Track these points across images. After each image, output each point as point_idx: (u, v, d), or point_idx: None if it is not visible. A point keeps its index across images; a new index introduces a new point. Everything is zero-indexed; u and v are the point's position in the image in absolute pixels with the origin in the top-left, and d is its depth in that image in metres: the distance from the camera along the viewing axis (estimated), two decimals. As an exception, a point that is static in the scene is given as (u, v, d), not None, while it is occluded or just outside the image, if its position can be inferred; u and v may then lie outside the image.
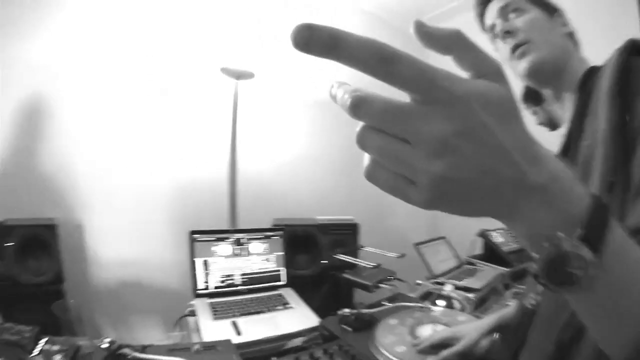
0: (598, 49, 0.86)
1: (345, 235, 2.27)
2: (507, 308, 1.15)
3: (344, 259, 2.08)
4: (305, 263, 2.18)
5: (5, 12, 2.76)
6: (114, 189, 2.63)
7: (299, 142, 2.72)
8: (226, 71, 2.32)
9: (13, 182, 2.57)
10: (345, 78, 0.35)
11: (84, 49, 2.71)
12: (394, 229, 2.98)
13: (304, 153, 2.71)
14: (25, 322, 1.13)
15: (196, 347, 1.14)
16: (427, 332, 1.19)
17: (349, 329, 1.25)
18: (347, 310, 1.28)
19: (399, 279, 1.91)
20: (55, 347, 1.06)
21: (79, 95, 2.68)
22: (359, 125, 0.34)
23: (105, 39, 2.72)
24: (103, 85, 2.70)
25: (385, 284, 1.82)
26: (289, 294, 1.90)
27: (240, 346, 1.24)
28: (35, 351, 1.03)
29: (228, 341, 1.21)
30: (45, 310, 1.50)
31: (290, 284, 2.01)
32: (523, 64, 0.82)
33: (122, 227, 2.64)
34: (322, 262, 2.13)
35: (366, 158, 0.36)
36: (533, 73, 0.82)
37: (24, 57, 2.62)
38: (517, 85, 0.65)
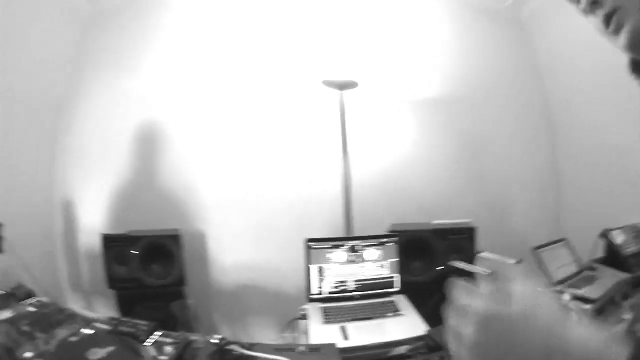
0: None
1: (461, 240, 2.19)
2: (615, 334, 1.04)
3: (458, 266, 1.99)
4: (420, 270, 2.15)
5: (116, 53, 3.35)
6: (233, 201, 2.94)
7: (410, 144, 2.68)
8: (329, 83, 2.42)
9: (135, 199, 3.11)
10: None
11: (191, 75, 3.14)
12: (512, 231, 2.76)
13: (416, 155, 2.67)
14: (148, 319, 1.35)
15: (301, 348, 1.21)
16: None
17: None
18: None
19: None
20: (169, 340, 1.25)
21: (191, 118, 3.13)
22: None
23: (210, 63, 3.06)
24: (212, 105, 3.05)
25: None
26: (401, 301, 1.89)
27: (344, 351, 1.27)
28: (149, 342, 1.22)
29: (333, 345, 1.25)
30: (166, 310, 1.71)
31: (404, 290, 1.99)
32: (621, 40, 0.69)
33: (242, 235, 2.93)
34: (437, 268, 2.08)
35: None
36: (635, 46, 0.69)
37: (135, 90, 3.19)
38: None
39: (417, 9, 2.71)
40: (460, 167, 2.62)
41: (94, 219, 3.43)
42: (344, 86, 2.40)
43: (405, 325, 1.66)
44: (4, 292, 1.79)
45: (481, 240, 2.22)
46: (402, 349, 1.27)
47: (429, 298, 1.91)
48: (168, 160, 3.15)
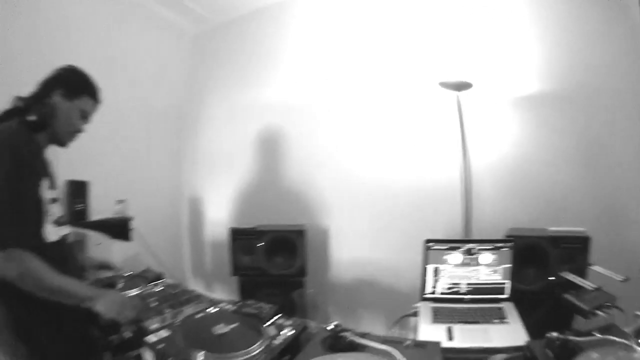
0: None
1: (575, 249, 2.05)
2: None
3: (568, 277, 1.90)
4: (532, 278, 2.08)
5: (242, 69, 3.80)
6: (355, 199, 3.06)
7: (526, 145, 2.54)
8: (445, 85, 2.44)
9: (261, 196, 3.36)
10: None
11: (312, 80, 3.37)
12: (627, 244, 2.46)
13: (531, 156, 2.53)
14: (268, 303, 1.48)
15: (408, 342, 1.23)
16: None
17: (551, 354, 1.14)
18: (554, 334, 1.15)
19: (616, 307, 1.60)
20: (287, 323, 1.37)
21: (314, 120, 3.33)
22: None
23: (330, 68, 3.25)
24: (334, 108, 3.22)
25: (602, 311, 1.57)
26: (509, 309, 1.84)
27: (447, 350, 1.27)
28: (269, 322, 1.34)
29: (437, 343, 1.26)
30: (286, 296, 1.81)
31: (513, 298, 1.93)
32: None
33: (362, 232, 3.03)
34: (548, 278, 1.99)
35: None
36: None
37: (259, 99, 3.56)
38: None
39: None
40: (574, 170, 2.43)
41: (219, 214, 3.90)
42: (459, 87, 2.41)
43: (508, 333, 1.62)
44: (135, 274, 2.00)
45: (594, 251, 2.06)
46: (499, 357, 1.29)
47: (537, 308, 1.91)
48: (293, 161, 3.44)
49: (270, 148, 3.59)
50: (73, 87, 1.58)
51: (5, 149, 1.29)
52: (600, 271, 1.85)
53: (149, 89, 3.95)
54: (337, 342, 1.23)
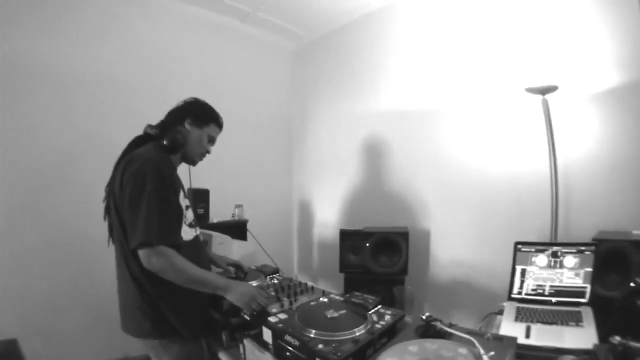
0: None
1: None
2: None
3: None
4: (614, 283, 2.01)
5: (342, 79, 4.20)
6: (454, 202, 3.23)
7: (618, 142, 2.44)
8: (531, 90, 2.46)
9: (367, 200, 3.68)
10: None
11: (407, 88, 3.57)
12: None
13: (619, 157, 2.44)
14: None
15: (488, 335, 1.39)
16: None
17: (611, 358, 1.19)
18: (617, 338, 1.20)
19: None
20: (388, 312, 1.63)
21: (412, 127, 3.54)
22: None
23: (423, 77, 3.44)
24: (429, 115, 3.40)
25: None
26: (587, 313, 1.86)
27: (522, 346, 1.40)
28: (372, 311, 1.60)
29: (514, 339, 1.38)
30: (387, 292, 2.02)
31: (594, 303, 1.94)
32: None
33: (459, 234, 3.19)
34: (630, 284, 1.87)
35: None
36: None
37: (361, 107, 3.98)
38: None
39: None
40: None
41: (326, 216, 4.34)
42: (545, 91, 2.43)
43: (581, 336, 1.64)
44: (255, 267, 2.34)
45: None
46: (568, 358, 1.30)
47: (614, 313, 1.84)
48: (396, 166, 3.70)
49: (374, 154, 3.86)
50: (201, 116, 1.93)
51: (152, 169, 1.62)
52: None
53: (258, 104, 4.48)
54: (428, 329, 1.45)
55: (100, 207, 1.82)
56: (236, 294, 1.65)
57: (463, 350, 1.22)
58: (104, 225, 1.82)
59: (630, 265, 1.90)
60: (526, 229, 2.60)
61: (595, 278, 1.97)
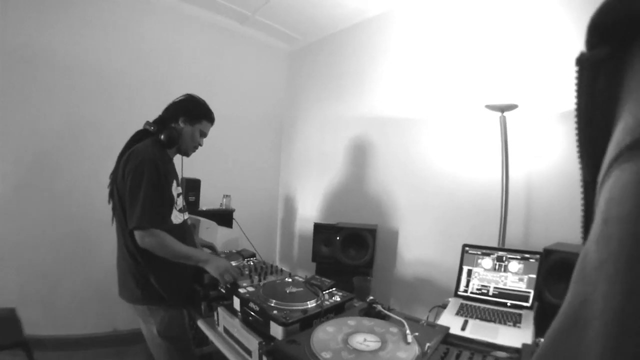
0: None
1: None
2: None
3: None
4: (564, 293, 1.99)
5: (331, 83, 4.41)
6: (423, 207, 3.42)
7: (565, 161, 2.61)
8: (491, 107, 2.61)
9: (346, 197, 3.92)
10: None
11: (389, 96, 3.79)
12: None
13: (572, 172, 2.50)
14: (339, 287, 1.94)
15: (422, 322, 1.57)
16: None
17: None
18: (541, 340, 1.15)
19: None
20: (339, 293, 1.86)
21: (390, 132, 3.75)
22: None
23: (404, 85, 3.64)
24: (408, 122, 3.60)
25: None
26: (527, 317, 2.03)
27: (455, 337, 1.50)
28: (326, 292, 1.84)
29: (446, 328, 1.54)
30: (351, 282, 2.22)
31: (540, 309, 2.10)
32: None
33: (425, 236, 3.41)
34: None
35: None
36: None
37: (347, 111, 4.19)
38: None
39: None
40: None
41: (308, 211, 4.58)
42: (504, 108, 2.57)
43: (516, 336, 1.81)
44: (235, 251, 2.59)
45: None
46: (499, 354, 1.34)
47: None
48: (373, 168, 3.91)
49: (355, 155, 4.09)
50: (194, 114, 2.18)
51: (149, 162, 1.91)
52: None
53: (252, 102, 4.71)
54: (370, 311, 1.67)
55: (101, 187, 2.14)
56: (213, 266, 1.92)
57: (394, 329, 1.43)
58: (104, 206, 2.12)
59: None
60: (484, 234, 2.78)
61: (544, 286, 2.12)
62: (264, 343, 1.47)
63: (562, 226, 2.58)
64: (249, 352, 1.58)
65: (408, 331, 1.37)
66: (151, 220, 1.84)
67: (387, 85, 3.80)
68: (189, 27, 4.10)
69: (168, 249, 1.88)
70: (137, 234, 1.85)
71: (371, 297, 1.74)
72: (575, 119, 0.40)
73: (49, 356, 3.12)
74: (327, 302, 1.71)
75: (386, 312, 1.65)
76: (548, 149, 2.70)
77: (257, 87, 4.81)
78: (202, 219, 3.02)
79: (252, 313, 1.64)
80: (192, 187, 3.51)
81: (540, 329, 1.91)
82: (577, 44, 2.20)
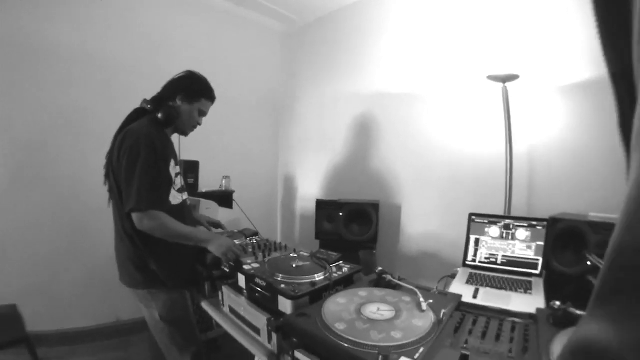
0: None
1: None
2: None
3: (594, 260, 1.87)
4: (571, 261, 2.04)
5: (328, 62, 4.36)
6: (425, 181, 3.40)
7: (571, 132, 2.60)
8: (493, 77, 2.59)
9: (347, 175, 3.87)
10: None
11: (387, 73, 3.72)
12: None
13: (576, 143, 2.58)
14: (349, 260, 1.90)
15: (434, 290, 1.55)
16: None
17: (551, 321, 1.21)
18: (557, 303, 1.22)
19: None
20: (347, 266, 1.82)
21: (389, 110, 3.71)
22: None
23: (404, 62, 3.59)
24: (407, 99, 3.56)
25: None
26: (537, 283, 2.03)
27: (468, 305, 1.47)
28: (334, 265, 1.79)
29: (459, 296, 1.52)
30: (358, 258, 2.19)
31: (547, 276, 2.09)
32: None
33: (428, 209, 3.39)
34: (587, 263, 1.92)
35: None
36: None
37: (345, 90, 4.13)
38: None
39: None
40: (621, 158, 2.40)
41: (309, 190, 4.56)
42: (505, 79, 2.54)
43: (528, 302, 1.80)
44: (237, 231, 2.54)
45: None
46: (512, 319, 1.31)
47: (567, 286, 1.97)
48: (374, 145, 3.87)
49: (355, 133, 4.05)
50: (193, 92, 2.09)
51: (146, 141, 1.83)
52: None
53: (248, 82, 4.62)
54: (380, 281, 1.63)
55: (97, 174, 2.04)
56: (216, 244, 1.87)
57: (406, 298, 1.40)
58: (101, 192, 2.04)
59: (586, 244, 1.98)
60: (488, 206, 2.72)
61: (551, 254, 2.11)
62: (272, 319, 1.42)
63: (565, 197, 2.59)
64: (257, 331, 1.54)
65: (422, 299, 1.34)
66: (149, 202, 1.77)
67: (387, 61, 3.74)
68: (183, 10, 4.00)
69: (168, 231, 1.81)
70: (135, 217, 1.77)
71: (380, 268, 1.70)
72: (593, 12, 0.42)
73: (53, 352, 3.08)
74: (335, 275, 1.67)
75: (397, 281, 1.62)
76: (550, 121, 2.69)
77: (254, 69, 4.72)
78: (202, 199, 2.97)
79: (259, 289, 1.60)
80: (191, 169, 3.44)
81: (549, 295, 1.89)
82: (578, 17, 2.26)
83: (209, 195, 3.31)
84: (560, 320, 1.19)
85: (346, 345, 1.07)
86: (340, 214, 3.32)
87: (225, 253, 1.85)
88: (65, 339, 3.25)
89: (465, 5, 3.11)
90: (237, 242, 2.27)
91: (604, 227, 1.96)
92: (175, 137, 2.18)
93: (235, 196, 3.73)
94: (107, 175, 1.98)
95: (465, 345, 1.10)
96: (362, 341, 1.06)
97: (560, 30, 2.60)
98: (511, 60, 2.75)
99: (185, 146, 2.45)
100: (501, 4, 2.89)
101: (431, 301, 1.37)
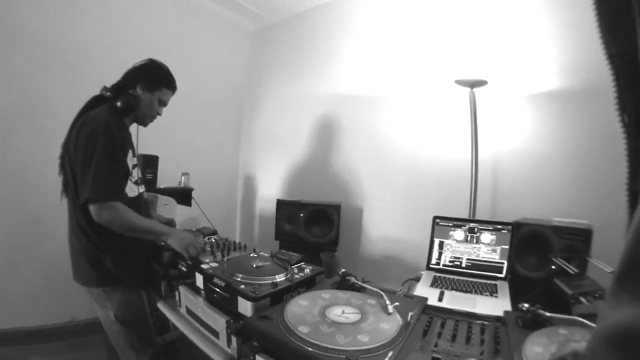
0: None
1: (577, 241, 1.95)
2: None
3: (560, 263, 1.88)
4: (535, 265, 2.06)
5: (293, 63, 4.30)
6: (388, 184, 3.37)
7: (537, 139, 2.63)
8: (460, 82, 2.59)
9: (308, 177, 3.82)
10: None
11: (350, 74, 3.72)
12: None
13: (542, 150, 2.61)
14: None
15: (399, 293, 1.51)
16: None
17: (520, 323, 1.20)
18: (526, 305, 1.22)
19: (601, 298, 1.56)
20: (309, 267, 1.75)
21: (352, 111, 3.69)
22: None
23: (367, 63, 3.59)
24: (369, 101, 3.55)
25: (587, 299, 1.53)
26: (502, 287, 2.01)
27: (434, 308, 1.45)
28: (295, 266, 1.72)
29: (424, 299, 1.48)
30: (319, 260, 2.13)
31: (511, 281, 2.08)
32: None
33: (391, 213, 3.36)
34: (552, 267, 1.92)
35: None
36: None
37: (309, 90, 4.06)
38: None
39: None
40: (585, 165, 2.45)
41: (269, 190, 4.46)
42: (474, 84, 2.55)
43: (494, 305, 1.78)
44: (195, 229, 2.45)
45: (602, 247, 1.91)
46: (481, 322, 1.29)
47: (533, 289, 1.95)
48: (335, 146, 3.83)
49: (317, 134, 4.00)
50: (153, 81, 2.01)
51: (104, 129, 1.73)
52: (596, 263, 1.77)
53: (213, 79, 4.49)
54: (343, 283, 1.56)
55: (54, 164, 1.90)
56: (176, 238, 1.79)
57: (371, 301, 1.34)
58: (57, 183, 1.91)
59: (550, 248, 2.00)
60: (452, 210, 2.68)
61: (515, 259, 2.12)
62: (232, 321, 1.34)
63: (529, 202, 2.62)
64: (215, 334, 1.46)
65: (388, 302, 1.30)
66: (105, 192, 1.68)
67: (353, 63, 3.73)
68: (153, 1, 3.89)
69: (128, 223, 1.71)
70: (93, 208, 1.67)
71: (343, 270, 1.63)
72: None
73: (9, 351, 2.97)
74: (297, 276, 1.60)
75: (361, 284, 1.57)
76: (516, 127, 2.72)
77: (219, 65, 4.61)
78: (160, 195, 2.85)
79: (217, 289, 1.51)
80: (150, 163, 3.29)
81: (515, 299, 1.86)
82: (548, 28, 2.30)
83: (168, 192, 3.17)
84: (529, 322, 1.19)
85: (311, 349, 1.00)
86: (301, 215, 3.26)
87: (186, 247, 1.77)
88: (21, 338, 3.10)
89: (436, 8, 3.11)
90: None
91: (568, 232, 1.99)
92: (133, 129, 2.07)
93: (194, 194, 3.60)
94: (62, 166, 1.87)
95: (435, 349, 1.05)
96: (328, 345, 1.00)
97: (529, 40, 2.63)
98: (479, 66, 2.75)
99: (145, 140, 2.33)
100: (471, 9, 2.91)
101: (397, 304, 1.33)
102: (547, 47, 2.55)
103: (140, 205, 1.99)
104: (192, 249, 1.78)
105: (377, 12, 3.53)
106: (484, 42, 2.81)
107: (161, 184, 3.46)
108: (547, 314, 1.20)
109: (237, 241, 2.18)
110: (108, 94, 1.94)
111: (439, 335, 1.15)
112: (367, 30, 3.61)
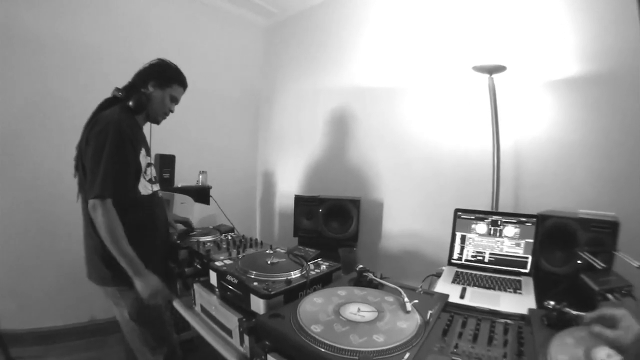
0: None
1: (604, 234, 1.83)
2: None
3: (586, 257, 1.77)
4: (561, 259, 1.95)
5: (309, 57, 4.27)
6: (407, 177, 3.30)
7: (561, 128, 2.51)
8: (479, 68, 2.50)
9: (326, 171, 3.74)
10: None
11: (367, 67, 3.63)
12: None
13: (565, 139, 2.50)
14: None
15: (419, 290, 1.45)
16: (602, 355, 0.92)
17: (546, 322, 1.15)
18: (552, 303, 1.17)
19: (631, 295, 1.49)
20: (325, 263, 1.71)
21: (370, 103, 3.60)
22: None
23: (385, 54, 3.51)
24: (387, 92, 3.46)
25: (614, 296, 1.46)
26: (527, 283, 1.93)
27: (456, 306, 1.40)
28: (311, 263, 1.68)
29: (445, 295, 1.43)
30: (335, 255, 2.09)
31: (535, 276, 1.99)
32: None
33: (411, 206, 3.28)
34: (578, 262, 1.81)
35: None
36: None
37: (325, 84, 3.97)
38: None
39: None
40: (611, 154, 2.31)
41: (288, 186, 4.43)
42: (492, 70, 2.47)
43: (518, 302, 1.70)
44: (212, 227, 2.42)
45: (624, 239, 1.81)
46: (504, 321, 1.24)
47: (558, 285, 1.86)
48: (354, 140, 3.76)
49: (334, 128, 3.94)
50: (164, 78, 2.03)
51: (114, 126, 1.74)
52: (623, 257, 1.68)
53: (227, 76, 4.49)
54: (360, 280, 1.51)
55: (69, 167, 1.91)
56: (144, 283, 1.74)
57: (389, 298, 1.30)
58: (71, 186, 1.92)
59: (576, 241, 1.88)
60: (474, 203, 2.58)
61: (540, 253, 2.02)
62: (244, 319, 1.32)
63: (552, 194, 2.52)
64: (229, 332, 1.44)
65: (406, 299, 1.24)
66: (111, 189, 1.68)
67: (368, 54, 3.65)
68: (163, 1, 3.89)
69: (111, 231, 1.68)
70: (91, 202, 1.67)
71: (361, 266, 1.57)
72: None
73: (26, 351, 3.00)
74: (312, 272, 1.56)
75: (379, 280, 1.51)
76: (537, 115, 2.62)
77: (233, 63, 4.61)
78: (176, 194, 2.84)
79: (230, 287, 1.48)
80: (167, 163, 3.32)
81: (539, 296, 1.78)
82: (567, 12, 2.21)
83: (185, 191, 3.16)
84: (555, 321, 1.13)
85: (323, 350, 0.95)
86: (320, 210, 3.22)
87: (151, 295, 1.75)
88: (39, 339, 3.15)
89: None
90: (210, 237, 2.20)
91: (594, 224, 1.86)
92: (147, 129, 2.09)
93: (212, 192, 3.60)
94: (76, 167, 1.88)
95: (455, 350, 1.00)
96: (340, 345, 0.95)
97: (549, 24, 2.53)
98: (498, 51, 2.63)
99: (162, 140, 2.35)
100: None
101: (416, 301, 1.27)
102: (565, 31, 2.45)
103: (155, 203, 1.99)
104: (155, 299, 1.77)
105: (390, 0, 3.47)
106: (501, 27, 2.72)
107: (179, 183, 3.47)
108: (574, 312, 1.12)
109: (257, 238, 2.15)
110: (120, 94, 1.95)
111: (460, 335, 1.09)
112: (380, 19, 3.54)
